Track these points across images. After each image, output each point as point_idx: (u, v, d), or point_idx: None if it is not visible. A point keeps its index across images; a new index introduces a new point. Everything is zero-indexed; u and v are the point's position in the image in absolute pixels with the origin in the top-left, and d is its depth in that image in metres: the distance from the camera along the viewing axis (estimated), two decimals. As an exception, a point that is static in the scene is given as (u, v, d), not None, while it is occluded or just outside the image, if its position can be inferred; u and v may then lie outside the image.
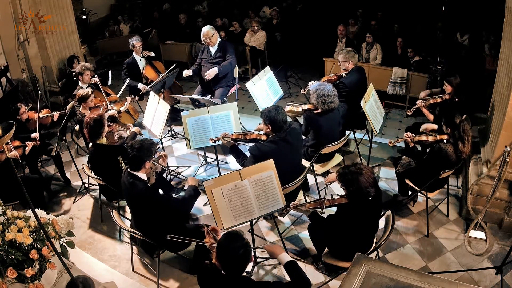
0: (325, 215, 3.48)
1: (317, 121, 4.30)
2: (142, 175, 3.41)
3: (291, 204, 3.52)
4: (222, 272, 2.52)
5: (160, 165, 3.90)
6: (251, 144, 3.92)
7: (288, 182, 3.67)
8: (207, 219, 4.36)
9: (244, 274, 2.57)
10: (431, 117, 4.79)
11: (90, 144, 4.19)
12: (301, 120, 4.65)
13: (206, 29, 5.49)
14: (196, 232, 3.68)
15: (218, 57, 5.56)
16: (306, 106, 4.53)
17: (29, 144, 4.47)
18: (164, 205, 3.44)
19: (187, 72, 5.72)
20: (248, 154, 3.87)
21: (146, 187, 3.39)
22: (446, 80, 4.74)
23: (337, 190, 3.88)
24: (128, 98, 5.39)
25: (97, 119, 4.07)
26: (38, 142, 4.62)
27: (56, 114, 5.27)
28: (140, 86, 5.91)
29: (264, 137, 3.92)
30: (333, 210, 3.50)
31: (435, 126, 4.49)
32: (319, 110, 4.29)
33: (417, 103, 4.81)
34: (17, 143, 4.49)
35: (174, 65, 5.81)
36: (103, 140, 4.16)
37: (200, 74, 5.78)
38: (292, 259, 2.74)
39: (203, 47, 5.70)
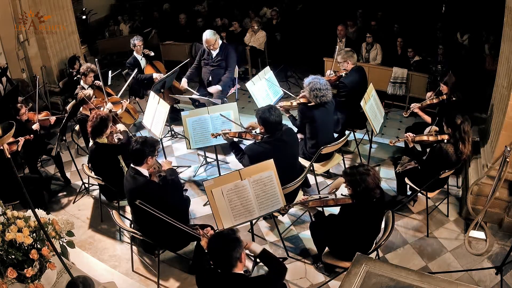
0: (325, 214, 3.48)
1: (311, 114, 4.30)
2: (144, 170, 3.48)
3: (301, 199, 3.53)
4: (218, 270, 2.58)
5: (158, 167, 3.89)
6: (250, 141, 3.91)
7: (285, 181, 3.65)
8: (207, 219, 4.36)
9: (242, 272, 2.59)
10: (428, 119, 4.79)
11: (91, 143, 4.17)
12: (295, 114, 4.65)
13: (208, 37, 5.37)
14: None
15: (218, 61, 5.53)
16: (301, 100, 4.51)
17: (21, 140, 4.37)
18: (163, 199, 3.43)
19: (184, 85, 5.63)
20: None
21: (146, 182, 3.43)
22: (442, 82, 4.75)
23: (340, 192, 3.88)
24: (124, 102, 5.36)
25: (104, 118, 4.06)
26: (32, 136, 4.51)
27: (53, 118, 5.24)
28: (155, 75, 5.94)
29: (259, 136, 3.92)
30: (332, 211, 3.50)
31: (437, 128, 4.49)
32: (313, 103, 4.30)
33: (411, 106, 4.81)
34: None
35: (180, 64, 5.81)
36: (104, 140, 4.14)
37: (200, 75, 5.76)
38: (262, 247, 2.81)
39: (202, 48, 5.69)
